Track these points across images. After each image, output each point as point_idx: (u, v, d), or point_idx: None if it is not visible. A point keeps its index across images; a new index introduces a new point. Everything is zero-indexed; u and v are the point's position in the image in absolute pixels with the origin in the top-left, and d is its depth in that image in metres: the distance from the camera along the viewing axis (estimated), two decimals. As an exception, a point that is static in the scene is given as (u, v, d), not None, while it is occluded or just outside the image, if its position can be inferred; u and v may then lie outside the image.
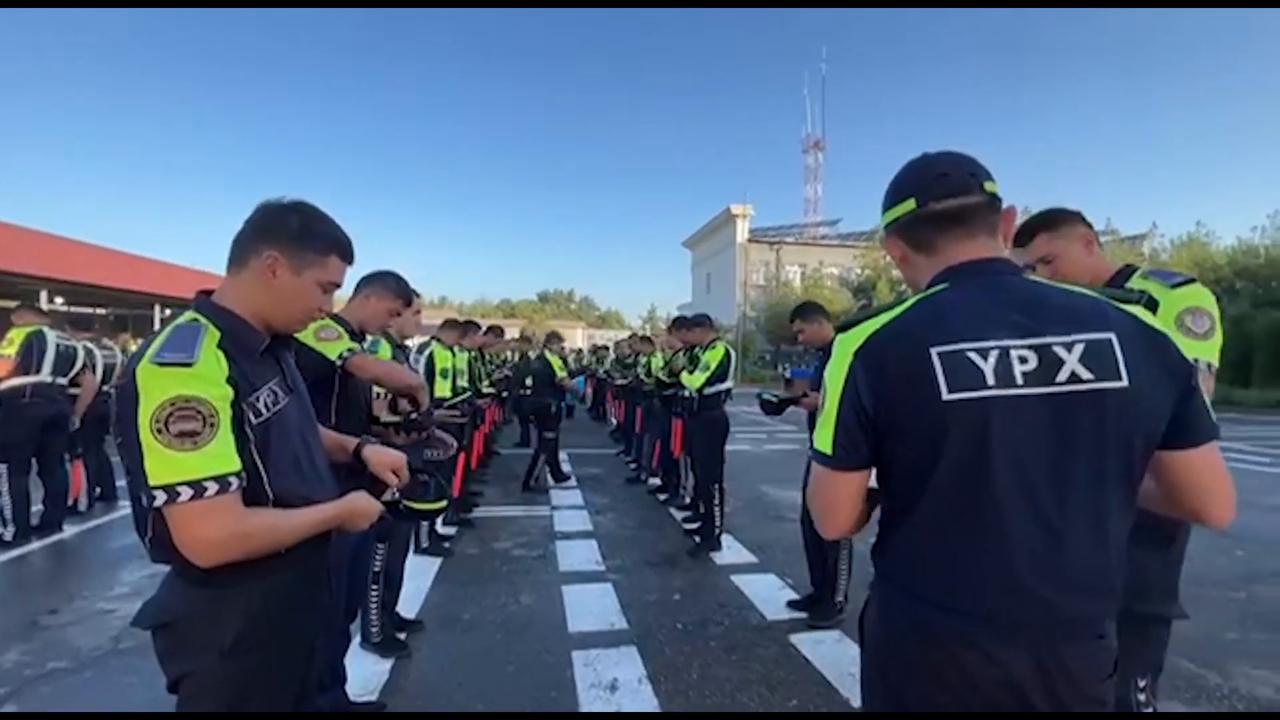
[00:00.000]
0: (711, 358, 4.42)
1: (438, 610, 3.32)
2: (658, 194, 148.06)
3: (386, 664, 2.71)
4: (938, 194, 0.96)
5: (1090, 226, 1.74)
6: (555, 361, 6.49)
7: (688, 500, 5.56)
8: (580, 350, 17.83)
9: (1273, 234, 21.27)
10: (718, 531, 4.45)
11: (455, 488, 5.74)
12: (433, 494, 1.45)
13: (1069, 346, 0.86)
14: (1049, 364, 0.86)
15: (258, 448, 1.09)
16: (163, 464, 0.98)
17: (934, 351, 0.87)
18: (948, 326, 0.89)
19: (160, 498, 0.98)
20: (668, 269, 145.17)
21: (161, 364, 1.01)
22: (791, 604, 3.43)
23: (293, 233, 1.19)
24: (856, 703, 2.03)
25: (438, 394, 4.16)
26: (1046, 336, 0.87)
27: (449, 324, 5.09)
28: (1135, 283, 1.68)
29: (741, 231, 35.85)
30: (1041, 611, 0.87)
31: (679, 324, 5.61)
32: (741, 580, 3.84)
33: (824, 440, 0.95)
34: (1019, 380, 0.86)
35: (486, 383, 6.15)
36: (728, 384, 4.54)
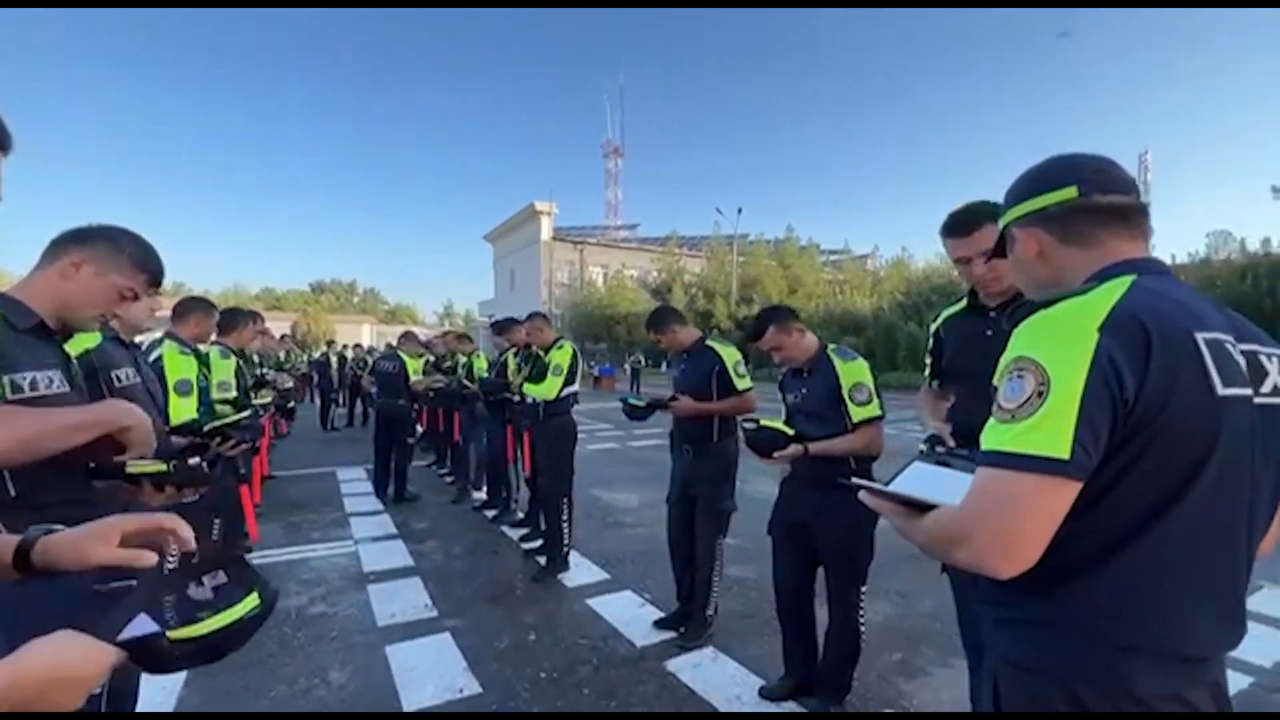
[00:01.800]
0: (561, 359, 3.98)
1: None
2: (455, 186, 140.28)
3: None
4: (1104, 187, 0.89)
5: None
6: (413, 363, 5.98)
7: (521, 515, 5.05)
8: (370, 348, 15.64)
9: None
10: (566, 549, 4.04)
11: (252, 533, 4.44)
12: (232, 597, 0.74)
13: (1270, 357, 0.81)
14: (1256, 371, 0.80)
15: None
16: None
17: (1200, 336, 0.75)
18: (1192, 312, 0.76)
19: None
20: (466, 263, 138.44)
21: None
22: (658, 623, 3.18)
23: None
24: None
25: (179, 418, 2.67)
26: (1252, 343, 0.80)
27: (191, 307, 3.15)
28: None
29: (545, 229, 35.55)
30: (1230, 640, 0.82)
31: (505, 325, 5.08)
32: (598, 603, 3.49)
33: (1051, 439, 0.72)
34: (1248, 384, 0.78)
35: (259, 391, 4.84)
36: (575, 386, 4.16)
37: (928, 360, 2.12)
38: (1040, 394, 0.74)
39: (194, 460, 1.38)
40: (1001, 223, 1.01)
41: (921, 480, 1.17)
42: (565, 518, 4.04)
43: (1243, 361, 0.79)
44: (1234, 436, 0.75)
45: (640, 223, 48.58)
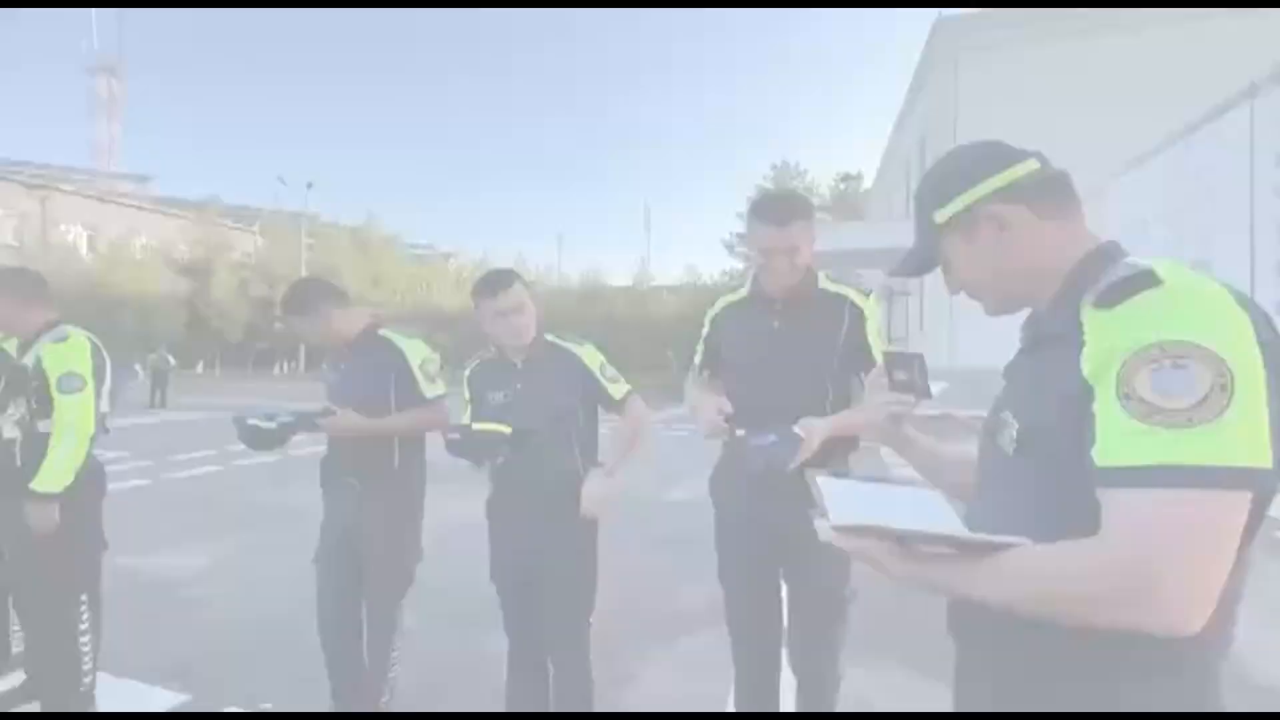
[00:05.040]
0: (74, 360, 2.28)
1: None
2: None
3: None
4: (1048, 161, 0.84)
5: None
6: None
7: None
8: None
9: (546, 271, 31.82)
10: (86, 677, 2.38)
11: None
12: None
13: None
14: None
15: None
16: None
17: None
18: None
19: None
20: None
21: None
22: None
23: None
24: None
25: None
26: None
27: None
28: (825, 282, 1.81)
29: (-35, 155, 22.76)
30: None
31: None
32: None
33: (1249, 444, 0.59)
34: None
35: None
36: (105, 407, 2.51)
37: (700, 348, 2.02)
38: (1223, 387, 0.59)
39: None
40: (954, 209, 0.85)
41: (876, 503, 0.96)
42: (84, 625, 2.38)
43: None
44: None
45: (156, 176, 36.46)
